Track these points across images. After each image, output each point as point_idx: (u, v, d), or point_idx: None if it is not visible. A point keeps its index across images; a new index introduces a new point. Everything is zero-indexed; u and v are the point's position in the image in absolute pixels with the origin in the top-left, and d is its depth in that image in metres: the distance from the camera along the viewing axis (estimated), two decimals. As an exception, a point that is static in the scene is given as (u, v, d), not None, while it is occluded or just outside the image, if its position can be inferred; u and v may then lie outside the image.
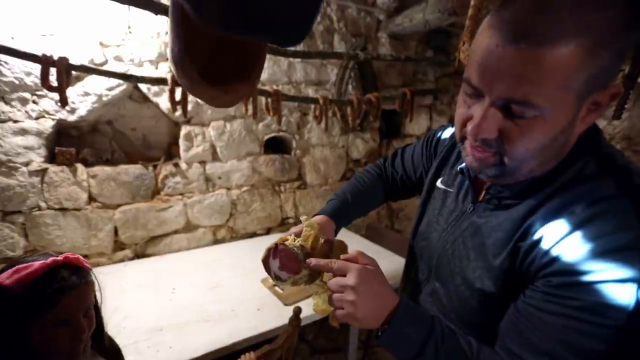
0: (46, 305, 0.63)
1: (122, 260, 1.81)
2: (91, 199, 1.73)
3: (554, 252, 0.48)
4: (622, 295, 0.42)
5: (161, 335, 1.24)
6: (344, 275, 0.57)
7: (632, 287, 0.42)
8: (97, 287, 0.76)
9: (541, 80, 0.44)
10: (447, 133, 0.83)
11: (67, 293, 0.66)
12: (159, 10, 1.10)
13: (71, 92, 1.56)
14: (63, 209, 1.67)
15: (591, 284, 0.44)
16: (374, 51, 2.39)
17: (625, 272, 0.42)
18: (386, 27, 2.39)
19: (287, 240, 0.65)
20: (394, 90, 2.59)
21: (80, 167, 1.68)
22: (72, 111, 1.62)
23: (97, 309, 0.77)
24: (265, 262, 0.66)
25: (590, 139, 0.53)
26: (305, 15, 0.23)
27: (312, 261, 0.62)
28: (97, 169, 1.71)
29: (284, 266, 0.63)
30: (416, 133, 2.90)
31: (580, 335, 0.45)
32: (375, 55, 2.09)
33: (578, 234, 0.46)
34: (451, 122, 0.84)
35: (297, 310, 1.20)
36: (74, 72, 1.39)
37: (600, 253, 0.44)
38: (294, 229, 0.72)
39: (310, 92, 2.27)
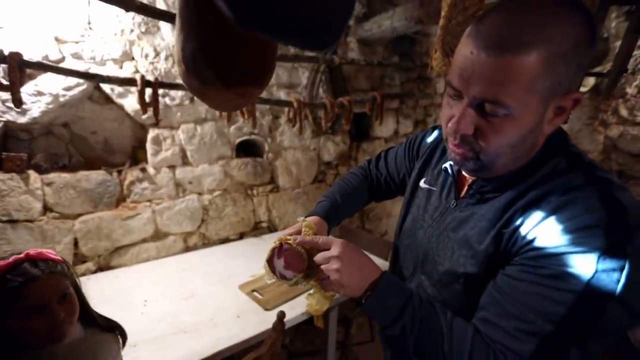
0: (12, 297, 0.69)
1: (83, 274, 1.67)
2: (46, 208, 1.58)
3: (533, 234, 0.54)
4: (583, 264, 0.48)
5: (135, 352, 1.17)
6: (329, 249, 0.63)
7: (594, 257, 0.48)
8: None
9: (509, 83, 0.50)
10: (430, 137, 0.88)
11: (31, 283, 0.70)
12: (131, 7, 1.04)
13: (22, 91, 1.42)
14: (12, 221, 1.50)
15: (560, 254, 0.50)
16: (344, 55, 2.44)
17: (588, 245, 0.49)
18: (355, 32, 2.45)
19: (289, 240, 0.65)
20: (362, 93, 2.67)
21: (32, 174, 1.53)
22: (23, 112, 1.47)
23: (79, 295, 0.83)
24: (270, 261, 0.66)
25: (560, 141, 0.61)
26: (338, 23, 0.24)
27: (297, 238, 0.66)
28: (53, 176, 1.57)
29: (289, 265, 0.64)
30: (384, 135, 3.00)
31: (546, 299, 0.50)
32: (349, 59, 2.14)
33: (553, 218, 0.53)
34: (432, 127, 0.90)
35: (281, 315, 1.20)
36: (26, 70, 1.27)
37: (570, 231, 0.50)
38: (288, 230, 0.73)
39: (282, 94, 2.26)
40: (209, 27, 0.39)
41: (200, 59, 0.40)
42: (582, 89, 2.43)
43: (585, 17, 0.49)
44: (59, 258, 0.80)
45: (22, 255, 0.73)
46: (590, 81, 2.44)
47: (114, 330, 0.92)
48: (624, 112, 2.43)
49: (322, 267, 0.63)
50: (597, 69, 2.25)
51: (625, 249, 0.47)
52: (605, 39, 2.22)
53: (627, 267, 0.47)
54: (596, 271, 0.47)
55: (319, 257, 0.64)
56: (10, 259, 0.71)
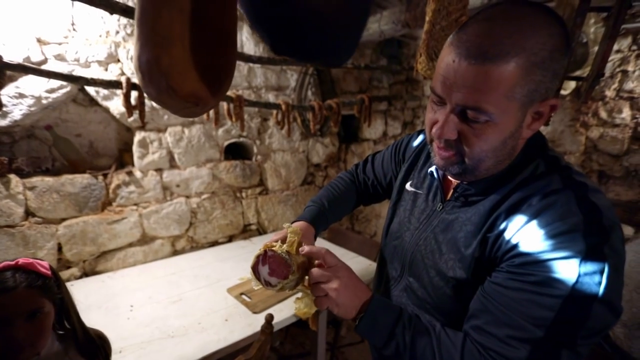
0: None
1: (68, 280, 1.64)
2: (29, 213, 1.55)
3: (516, 238, 0.56)
4: (567, 269, 0.50)
5: (121, 358, 1.15)
6: (331, 266, 0.65)
7: (576, 261, 0.50)
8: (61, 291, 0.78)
9: (489, 90, 0.51)
10: (415, 141, 0.89)
11: (1, 293, 0.66)
12: (116, 9, 1.03)
13: (2, 94, 1.39)
14: (-7, 226, 1.47)
15: (544, 261, 0.52)
16: (332, 58, 2.46)
17: (569, 250, 0.51)
18: (343, 35, 2.47)
19: (273, 246, 0.65)
20: (351, 95, 2.69)
21: (14, 178, 1.49)
22: (4, 115, 1.44)
23: (66, 313, 0.80)
24: (255, 268, 0.67)
25: (538, 145, 0.63)
26: (351, 46, 0.28)
27: (305, 248, 0.66)
28: (35, 180, 1.54)
29: (274, 272, 0.64)
30: (372, 137, 3.03)
31: (534, 305, 0.52)
32: (335, 62, 2.15)
33: (534, 222, 0.55)
34: (418, 131, 0.91)
35: (269, 318, 1.19)
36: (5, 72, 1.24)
37: (552, 236, 0.52)
38: (275, 236, 0.73)
39: (271, 97, 2.26)
40: (164, 39, 0.41)
41: (155, 69, 0.42)
42: (564, 92, 2.50)
43: (560, 27, 0.51)
44: (48, 272, 0.75)
45: (12, 263, 0.70)
46: (571, 84, 2.51)
47: (94, 354, 0.86)
48: (603, 114, 2.52)
49: (320, 286, 0.64)
50: (577, 73, 2.32)
51: (603, 251, 0.50)
52: (585, 44, 2.29)
53: (606, 268, 0.49)
54: (579, 275, 0.49)
55: (318, 275, 0.64)
56: (0, 265, 0.69)
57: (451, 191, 0.71)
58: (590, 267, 0.49)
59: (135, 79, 1.37)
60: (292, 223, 0.81)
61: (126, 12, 1.06)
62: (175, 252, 2.02)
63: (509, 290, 0.55)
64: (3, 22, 1.37)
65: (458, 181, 0.69)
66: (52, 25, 1.47)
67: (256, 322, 1.35)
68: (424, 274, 0.72)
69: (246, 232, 2.34)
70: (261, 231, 2.42)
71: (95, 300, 1.46)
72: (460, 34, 0.54)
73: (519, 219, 0.56)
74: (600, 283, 0.49)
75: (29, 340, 0.69)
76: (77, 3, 1.45)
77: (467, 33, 0.53)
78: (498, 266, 0.58)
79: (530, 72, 0.51)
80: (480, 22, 0.53)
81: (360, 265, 1.89)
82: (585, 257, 0.49)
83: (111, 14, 1.07)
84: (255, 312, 1.42)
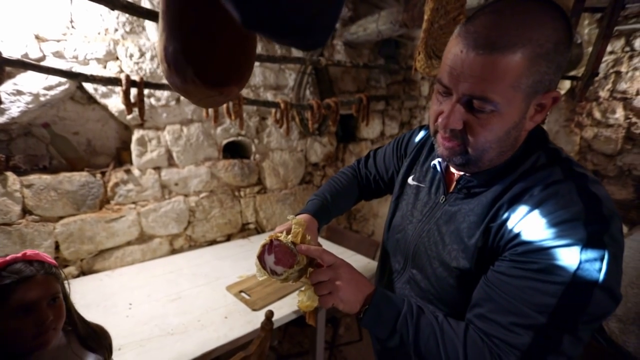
0: (4, 295, 0.68)
1: (65, 279, 1.62)
2: (26, 211, 1.54)
3: (519, 228, 0.57)
4: (568, 257, 0.52)
5: (120, 355, 1.15)
6: (330, 265, 0.66)
7: (577, 249, 0.51)
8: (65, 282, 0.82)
9: (495, 80, 0.53)
10: (417, 136, 0.90)
11: (24, 282, 0.70)
12: (116, 5, 1.03)
13: (0, 90, 1.38)
14: (-11, 224, 1.46)
15: (546, 248, 0.53)
16: (331, 58, 2.47)
17: (571, 238, 0.52)
18: (341, 35, 2.48)
19: (279, 237, 0.66)
20: (349, 95, 2.70)
21: (11, 175, 1.48)
22: (1, 112, 1.43)
23: (67, 302, 0.81)
24: (261, 257, 0.68)
25: (539, 138, 0.65)
26: (328, 25, 0.27)
27: (302, 247, 0.67)
28: (33, 178, 1.53)
29: (279, 261, 0.66)
30: (370, 137, 3.04)
31: (537, 292, 0.53)
32: (336, 61, 2.16)
33: (537, 212, 0.56)
34: (419, 127, 0.93)
35: (269, 314, 1.20)
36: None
37: (553, 225, 0.53)
38: (279, 228, 0.74)
39: (269, 96, 2.27)
40: (190, 30, 0.42)
41: (182, 58, 0.43)
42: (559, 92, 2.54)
43: (564, 21, 0.53)
44: (54, 261, 0.79)
45: (19, 255, 0.73)
46: (567, 84, 2.54)
47: (96, 346, 0.87)
48: (597, 114, 2.55)
49: (323, 284, 0.65)
50: (572, 73, 2.35)
51: (603, 239, 0.51)
52: (579, 45, 2.32)
53: (606, 255, 0.50)
54: (580, 262, 0.50)
55: (319, 274, 0.65)
56: (8, 257, 0.71)
57: (454, 183, 0.72)
58: (591, 254, 0.50)
59: (134, 77, 1.37)
60: (295, 216, 0.82)
61: (127, 8, 1.06)
62: (174, 251, 2.01)
63: (512, 278, 0.56)
64: (1, 19, 1.36)
65: (461, 173, 0.70)
66: (51, 22, 1.47)
67: (256, 319, 1.35)
68: (427, 266, 0.72)
69: (244, 231, 2.34)
70: (259, 230, 2.42)
71: (93, 299, 1.45)
72: (468, 26, 0.55)
73: (521, 209, 0.58)
74: (600, 270, 0.50)
75: (55, 323, 0.74)
76: (76, 0, 1.45)
77: (475, 24, 0.54)
78: (501, 255, 0.59)
79: (536, 63, 0.52)
80: (488, 14, 0.54)
81: (359, 263, 1.90)
82: (586, 244, 0.51)
83: (112, 9, 1.07)
84: (254, 310, 1.42)
